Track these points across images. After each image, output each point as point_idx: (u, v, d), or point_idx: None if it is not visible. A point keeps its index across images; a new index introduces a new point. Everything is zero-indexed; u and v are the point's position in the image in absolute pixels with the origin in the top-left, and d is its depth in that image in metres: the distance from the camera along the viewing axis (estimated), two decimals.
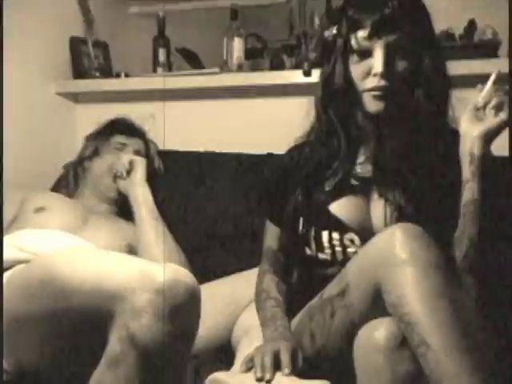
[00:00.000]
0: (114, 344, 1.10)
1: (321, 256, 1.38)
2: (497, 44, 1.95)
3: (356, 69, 1.35)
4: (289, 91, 2.16)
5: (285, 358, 1.23)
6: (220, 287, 1.71)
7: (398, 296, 1.12)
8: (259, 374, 1.21)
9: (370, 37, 1.30)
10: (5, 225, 1.76)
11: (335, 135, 1.41)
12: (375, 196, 1.37)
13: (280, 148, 2.04)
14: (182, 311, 1.10)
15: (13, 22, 2.04)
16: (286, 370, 1.21)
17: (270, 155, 2.05)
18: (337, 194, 1.39)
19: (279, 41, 2.59)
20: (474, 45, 1.98)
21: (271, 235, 1.52)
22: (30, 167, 2.21)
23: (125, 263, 1.21)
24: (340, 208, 1.37)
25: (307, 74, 2.06)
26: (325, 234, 1.37)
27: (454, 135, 1.31)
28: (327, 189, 1.40)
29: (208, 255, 1.99)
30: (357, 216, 1.36)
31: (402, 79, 1.32)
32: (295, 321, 1.39)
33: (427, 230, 1.18)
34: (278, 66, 2.30)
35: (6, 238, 1.60)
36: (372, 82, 1.32)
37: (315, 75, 2.06)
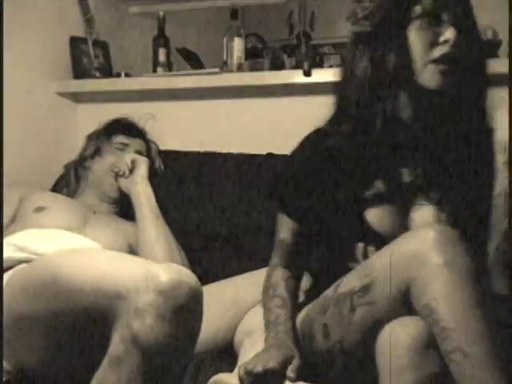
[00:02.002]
0: (117, 344, 1.10)
1: (351, 265, 1.29)
2: (497, 44, 1.95)
3: (419, 38, 1.22)
4: (289, 91, 2.16)
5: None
6: (222, 289, 1.70)
7: (432, 299, 1.09)
8: None
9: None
10: (4, 224, 1.76)
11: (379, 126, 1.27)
12: (417, 202, 1.29)
13: (280, 148, 2.05)
14: (184, 312, 1.10)
15: (13, 21, 2.04)
16: None
17: (269, 155, 2.05)
18: (374, 201, 1.28)
19: (279, 41, 2.61)
20: None
21: (286, 227, 1.39)
22: (30, 167, 2.21)
23: (128, 263, 1.21)
24: (378, 217, 1.28)
25: (307, 74, 2.06)
26: (360, 247, 1.30)
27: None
28: (366, 194, 1.29)
29: (208, 255, 1.98)
30: (394, 226, 1.27)
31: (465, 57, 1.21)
32: (302, 314, 1.34)
33: (466, 233, 1.15)
34: (278, 66, 2.30)
35: (7, 238, 1.60)
36: (441, 49, 1.20)
37: (315, 75, 2.07)
